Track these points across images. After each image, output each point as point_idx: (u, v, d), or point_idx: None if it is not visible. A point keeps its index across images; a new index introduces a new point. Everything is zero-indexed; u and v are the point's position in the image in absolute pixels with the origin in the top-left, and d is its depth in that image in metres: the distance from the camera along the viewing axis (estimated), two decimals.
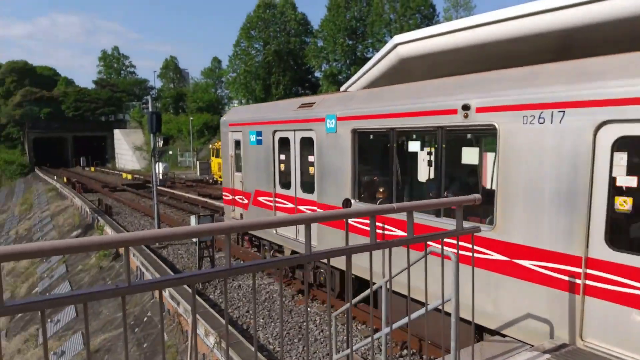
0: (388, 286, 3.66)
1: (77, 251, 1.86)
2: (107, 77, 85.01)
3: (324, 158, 8.85)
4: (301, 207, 9.80)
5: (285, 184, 10.32)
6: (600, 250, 4.66)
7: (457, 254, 3.53)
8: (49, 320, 13.45)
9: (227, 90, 69.17)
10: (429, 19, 43.23)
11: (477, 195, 3.42)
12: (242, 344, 7.29)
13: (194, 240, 12.94)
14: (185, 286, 9.72)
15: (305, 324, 8.69)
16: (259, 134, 11.11)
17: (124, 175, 44.76)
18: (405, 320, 3.98)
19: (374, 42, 46.41)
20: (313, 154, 9.24)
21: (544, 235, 5.11)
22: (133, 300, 11.85)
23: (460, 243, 3.72)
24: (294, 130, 9.91)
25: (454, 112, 6.26)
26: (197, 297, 9.62)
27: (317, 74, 55.25)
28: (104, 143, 68.13)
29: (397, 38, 8.92)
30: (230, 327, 7.95)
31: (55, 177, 42.88)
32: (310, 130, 9.24)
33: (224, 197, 13.13)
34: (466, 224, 3.66)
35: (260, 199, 11.23)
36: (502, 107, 5.62)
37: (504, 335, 5.49)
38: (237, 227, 2.31)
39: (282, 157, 10.37)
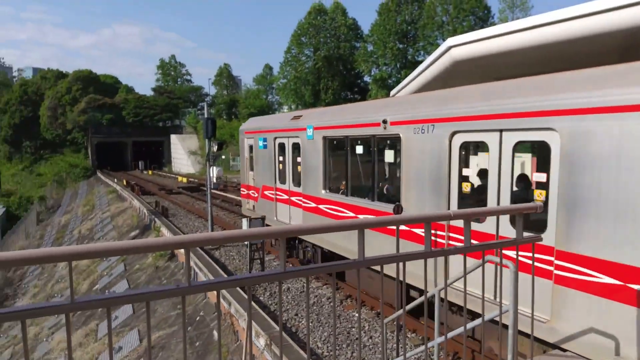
0: (442, 295, 3.56)
1: (142, 251, 1.93)
2: (164, 84, 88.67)
3: (306, 159, 11.05)
4: (293, 198, 12.08)
5: (282, 180, 12.64)
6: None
7: (516, 263, 3.39)
8: None
9: (277, 96, 70.35)
10: (484, 20, 42.04)
11: (539, 203, 3.26)
12: (291, 347, 7.33)
13: (246, 242, 13.23)
14: (238, 288, 9.92)
15: (357, 330, 8.64)
16: (264, 140, 13.43)
17: (180, 178, 46.36)
18: (460, 330, 3.86)
19: (425, 45, 45.70)
20: (300, 156, 11.40)
21: (425, 209, 7.34)
22: (187, 300, 12.21)
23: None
24: (288, 137, 12.14)
25: (379, 124, 8.40)
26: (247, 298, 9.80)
27: (367, 78, 55.13)
28: (161, 147, 70.88)
29: (451, 40, 8.76)
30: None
31: (115, 180, 45.01)
32: (297, 137, 11.45)
33: (241, 192, 15.95)
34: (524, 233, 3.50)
35: (266, 192, 13.66)
36: (403, 122, 7.85)
37: (564, 350, 5.21)
38: (291, 232, 2.32)
39: (280, 158, 12.72)
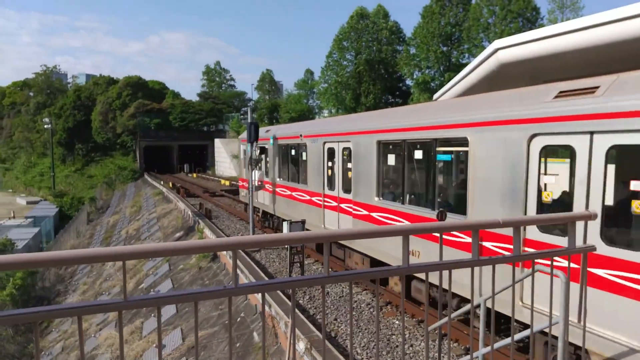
0: (488, 304, 3.46)
1: (194, 252, 1.98)
2: (209, 90, 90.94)
3: (269, 158, 16.77)
4: (278, 189, 15.85)
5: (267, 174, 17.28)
6: None
7: (567, 273, 3.25)
8: (152, 315, 14.55)
9: (318, 100, 70.68)
10: (532, 22, 40.71)
11: (593, 212, 3.12)
12: (331, 352, 7.32)
13: (286, 245, 13.34)
14: (279, 291, 10.01)
15: (401, 337, 8.53)
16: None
17: (222, 181, 47.30)
18: (507, 341, 3.74)
19: (470, 47, 44.76)
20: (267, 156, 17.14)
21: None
22: (227, 301, 12.40)
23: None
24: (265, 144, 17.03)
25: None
26: (287, 301, 9.87)
27: (409, 82, 54.54)
28: (205, 151, 72.57)
29: (498, 42, 8.56)
30: (319, 334, 8.03)
31: (161, 182, 46.42)
32: (265, 145, 17.03)
33: (239, 185, 23.17)
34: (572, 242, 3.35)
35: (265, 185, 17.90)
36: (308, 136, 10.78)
37: None
38: (337, 236, 2.32)
39: (263, 157, 17.22)
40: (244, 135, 18.24)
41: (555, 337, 3.78)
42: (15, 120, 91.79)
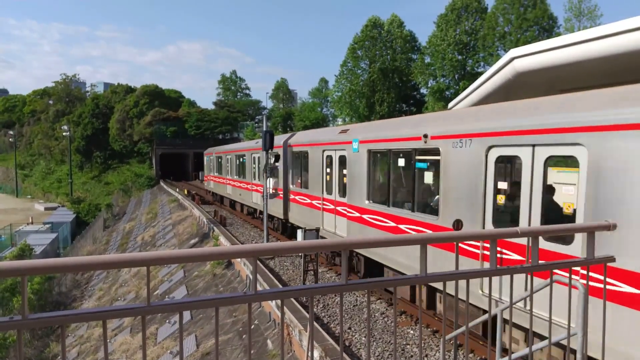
0: (505, 315, 3.43)
1: (213, 259, 2.02)
2: (225, 98, 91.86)
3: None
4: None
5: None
6: None
7: (586, 284, 3.22)
8: (167, 321, 14.65)
9: (332, 109, 70.87)
10: (548, 31, 40.41)
11: (612, 222, 3.10)
12: None
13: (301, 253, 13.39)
14: (293, 300, 10.02)
15: (418, 349, 8.46)
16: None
17: None
18: (524, 351, 3.71)
19: (485, 56, 44.58)
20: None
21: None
22: (242, 308, 12.45)
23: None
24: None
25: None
26: (301, 309, 9.86)
27: (423, 90, 54.45)
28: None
29: (514, 51, 8.54)
30: (333, 343, 8.02)
31: (177, 190, 46.85)
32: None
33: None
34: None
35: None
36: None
37: None
38: (354, 244, 2.34)
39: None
40: (210, 150, 21.20)
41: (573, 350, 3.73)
42: (35, 128, 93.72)
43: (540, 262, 2.83)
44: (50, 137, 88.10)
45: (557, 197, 6.37)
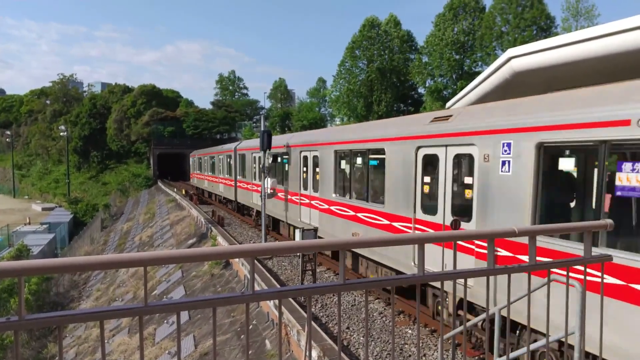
0: (504, 314, 3.44)
1: (213, 259, 2.02)
2: (222, 98, 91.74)
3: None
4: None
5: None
6: None
7: (584, 283, 3.22)
8: (164, 322, 14.62)
9: (329, 108, 70.84)
10: (545, 30, 40.45)
11: (609, 221, 3.10)
12: None
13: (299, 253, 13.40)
14: (291, 300, 10.02)
15: (413, 347, 8.47)
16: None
17: None
18: (522, 351, 3.72)
19: (483, 55, 44.58)
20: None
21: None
22: (240, 308, 12.44)
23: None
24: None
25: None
26: (299, 309, 9.86)
27: (421, 90, 54.47)
28: None
29: (511, 51, 8.55)
30: (332, 343, 8.02)
31: (175, 190, 46.77)
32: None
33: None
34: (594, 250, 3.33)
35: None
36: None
37: None
38: (352, 244, 2.34)
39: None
40: (195, 152, 22.79)
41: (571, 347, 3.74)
42: (32, 128, 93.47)
43: (538, 261, 2.83)
44: (47, 137, 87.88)
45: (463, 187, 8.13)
